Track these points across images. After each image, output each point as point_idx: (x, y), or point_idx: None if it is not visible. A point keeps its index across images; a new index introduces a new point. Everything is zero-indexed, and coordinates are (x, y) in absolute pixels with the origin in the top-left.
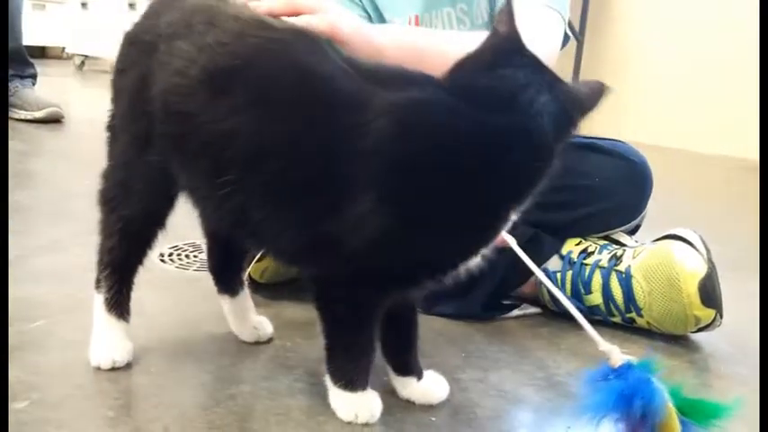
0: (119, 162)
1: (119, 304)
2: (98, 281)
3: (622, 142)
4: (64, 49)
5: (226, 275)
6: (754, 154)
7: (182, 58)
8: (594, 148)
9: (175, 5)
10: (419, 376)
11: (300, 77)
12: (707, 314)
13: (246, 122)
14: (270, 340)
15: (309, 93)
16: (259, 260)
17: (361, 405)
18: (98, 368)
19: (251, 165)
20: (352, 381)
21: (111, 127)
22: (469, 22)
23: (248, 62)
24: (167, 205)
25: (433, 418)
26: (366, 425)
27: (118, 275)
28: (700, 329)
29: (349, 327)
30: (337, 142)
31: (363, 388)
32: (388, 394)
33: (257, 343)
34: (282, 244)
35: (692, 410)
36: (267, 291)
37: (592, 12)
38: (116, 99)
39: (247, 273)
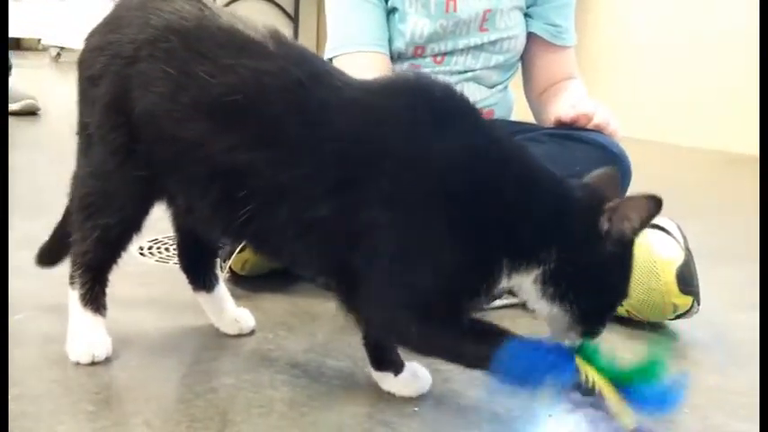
0: (96, 171)
1: (94, 299)
2: (72, 277)
3: (601, 133)
4: (40, 40)
5: (200, 273)
6: (732, 147)
7: (167, 82)
8: (573, 138)
9: (144, 20)
10: (396, 371)
11: (301, 113)
12: (684, 301)
13: (258, 161)
14: (252, 333)
15: (313, 127)
16: (240, 252)
17: None
18: (77, 363)
19: (269, 200)
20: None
21: (84, 135)
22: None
23: (247, 97)
24: (145, 213)
25: (416, 409)
26: (353, 415)
27: (92, 274)
28: (678, 317)
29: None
30: (346, 169)
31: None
32: (373, 385)
33: (239, 336)
34: (313, 264)
35: (629, 378)
36: (248, 283)
37: None
38: (88, 107)
39: (228, 265)
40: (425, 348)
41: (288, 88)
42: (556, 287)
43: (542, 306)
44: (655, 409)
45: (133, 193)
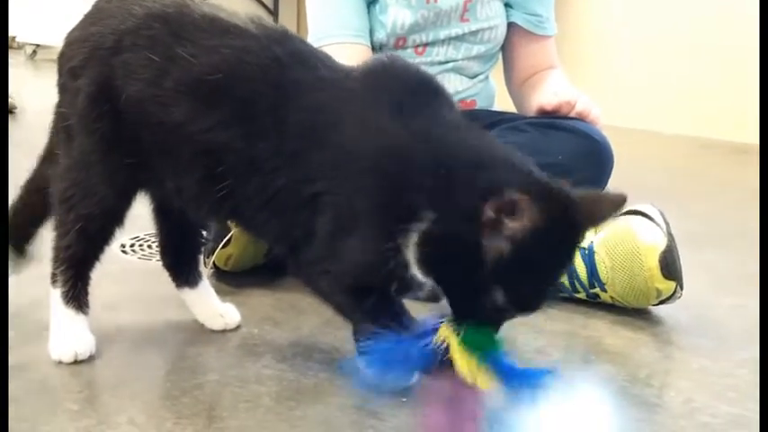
0: (78, 162)
1: (76, 297)
2: (54, 275)
3: (583, 121)
4: (15, 38)
5: (183, 269)
6: (708, 132)
7: (151, 68)
8: (556, 126)
9: (125, 11)
10: None
11: (276, 89)
12: (668, 286)
13: (235, 137)
14: (237, 328)
15: (283, 102)
16: (223, 247)
17: None
18: (60, 362)
19: (243, 173)
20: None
21: (65, 127)
22: None
23: (228, 75)
24: (128, 204)
25: (404, 399)
26: (341, 407)
27: (74, 271)
28: (661, 302)
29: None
30: (316, 141)
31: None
32: None
33: (224, 331)
34: (272, 233)
35: (506, 376)
36: (233, 278)
37: None
38: (70, 99)
39: (212, 260)
40: (344, 316)
41: (265, 65)
42: (425, 253)
43: (418, 272)
44: (519, 383)
45: (117, 182)
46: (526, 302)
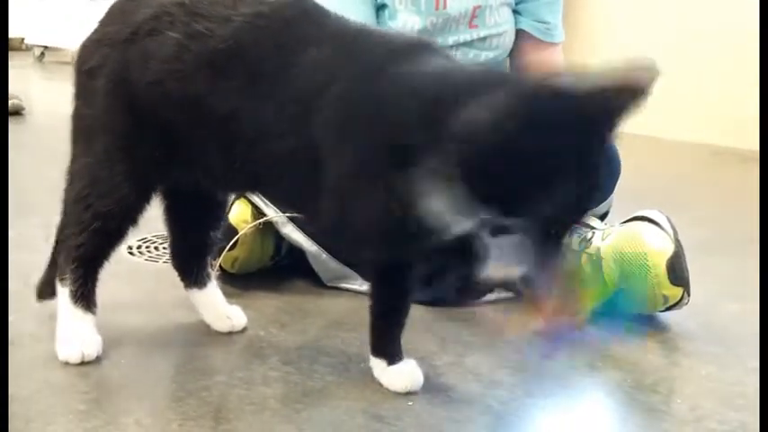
0: (98, 160)
1: (85, 297)
2: (62, 273)
3: None
4: (23, 40)
5: (192, 270)
6: (719, 140)
7: (171, 45)
8: None
9: (140, 5)
10: (390, 361)
11: (281, 49)
12: (675, 293)
13: (247, 103)
14: (244, 330)
15: (293, 68)
16: (230, 250)
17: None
18: (67, 362)
19: (257, 139)
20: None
21: (84, 128)
22: None
23: (239, 42)
24: (147, 202)
25: (410, 403)
26: (347, 410)
27: (84, 269)
28: (668, 308)
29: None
30: (313, 103)
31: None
32: (367, 380)
33: (231, 333)
34: (292, 198)
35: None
36: (239, 281)
37: None
38: (88, 100)
39: (218, 263)
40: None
41: (275, 27)
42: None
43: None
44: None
45: (138, 179)
46: (570, 205)
